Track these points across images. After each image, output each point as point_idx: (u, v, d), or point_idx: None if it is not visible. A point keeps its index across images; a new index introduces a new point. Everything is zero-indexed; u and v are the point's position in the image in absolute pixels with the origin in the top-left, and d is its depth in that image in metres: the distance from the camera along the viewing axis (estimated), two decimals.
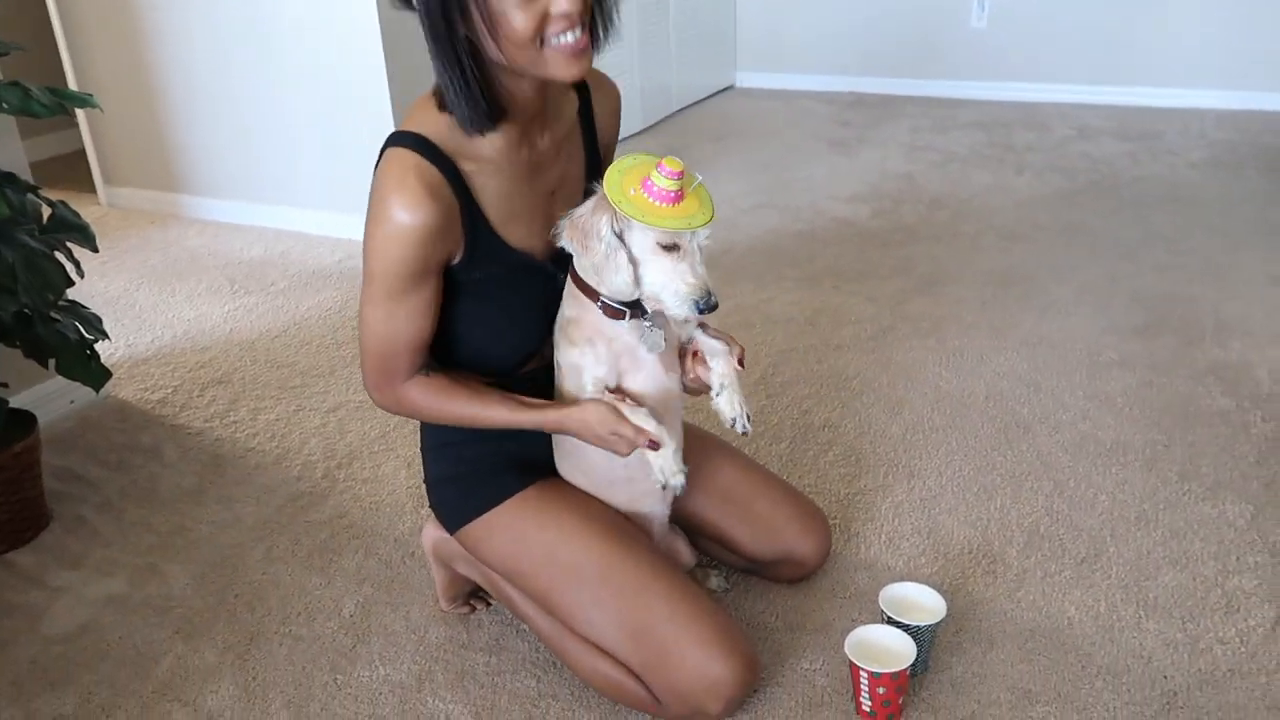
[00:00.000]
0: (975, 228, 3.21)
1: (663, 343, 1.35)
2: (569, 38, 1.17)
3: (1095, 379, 2.27)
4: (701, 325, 1.43)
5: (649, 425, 1.31)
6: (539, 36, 1.16)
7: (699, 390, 1.41)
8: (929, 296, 2.73)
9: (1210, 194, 3.44)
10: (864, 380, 2.31)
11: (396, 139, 1.26)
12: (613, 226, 1.25)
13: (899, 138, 4.29)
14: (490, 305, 1.36)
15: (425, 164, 1.23)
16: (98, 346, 2.49)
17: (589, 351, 1.34)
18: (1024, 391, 2.23)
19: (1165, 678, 1.45)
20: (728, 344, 1.39)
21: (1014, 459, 1.98)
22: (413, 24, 1.20)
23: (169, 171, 3.66)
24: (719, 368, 1.38)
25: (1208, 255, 2.91)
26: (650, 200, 1.21)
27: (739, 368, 1.39)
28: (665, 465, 1.33)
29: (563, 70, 1.20)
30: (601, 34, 1.25)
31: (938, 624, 1.43)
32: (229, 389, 2.41)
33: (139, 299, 2.96)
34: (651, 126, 4.58)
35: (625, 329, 1.34)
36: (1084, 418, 2.11)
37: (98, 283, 3.06)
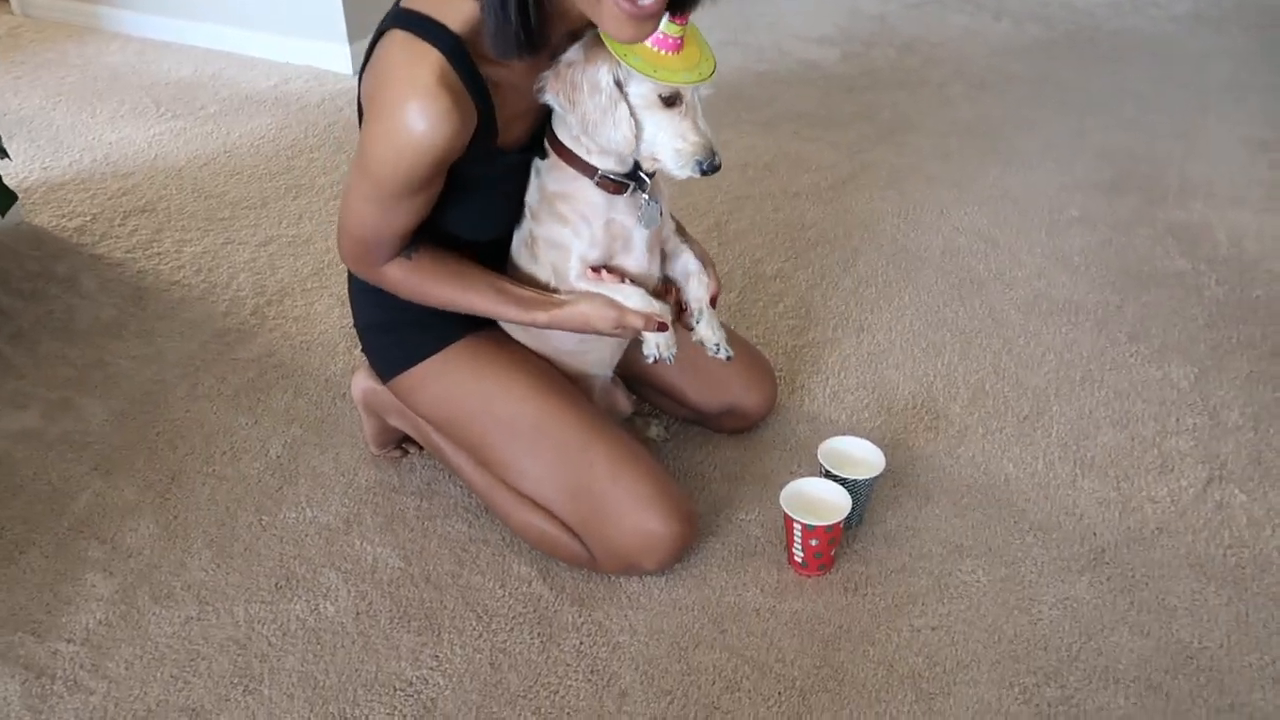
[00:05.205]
0: (944, 75, 3.08)
1: (659, 217, 1.27)
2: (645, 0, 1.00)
3: (1054, 236, 2.22)
4: (682, 233, 1.36)
5: (652, 307, 1.26)
6: None
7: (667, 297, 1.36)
8: (892, 146, 2.63)
9: (1189, 50, 3.31)
10: (819, 230, 2.23)
11: (417, 22, 1.08)
12: (615, 75, 1.13)
13: None
14: (469, 198, 1.25)
15: (451, 70, 1.07)
16: (3, 169, 2.33)
17: (583, 230, 1.24)
18: (981, 247, 2.18)
19: (1094, 534, 1.46)
20: (705, 268, 1.34)
21: (965, 316, 1.95)
22: None
23: None
24: (696, 292, 1.33)
25: (1179, 113, 2.83)
26: (652, 47, 1.08)
27: (710, 307, 1.35)
28: (664, 342, 1.28)
29: (615, 29, 1.04)
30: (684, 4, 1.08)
31: (874, 479, 1.42)
32: (153, 218, 2.27)
33: (55, 118, 2.76)
34: None
35: (623, 204, 1.24)
36: (1039, 275, 2.07)
37: (10, 99, 2.84)
